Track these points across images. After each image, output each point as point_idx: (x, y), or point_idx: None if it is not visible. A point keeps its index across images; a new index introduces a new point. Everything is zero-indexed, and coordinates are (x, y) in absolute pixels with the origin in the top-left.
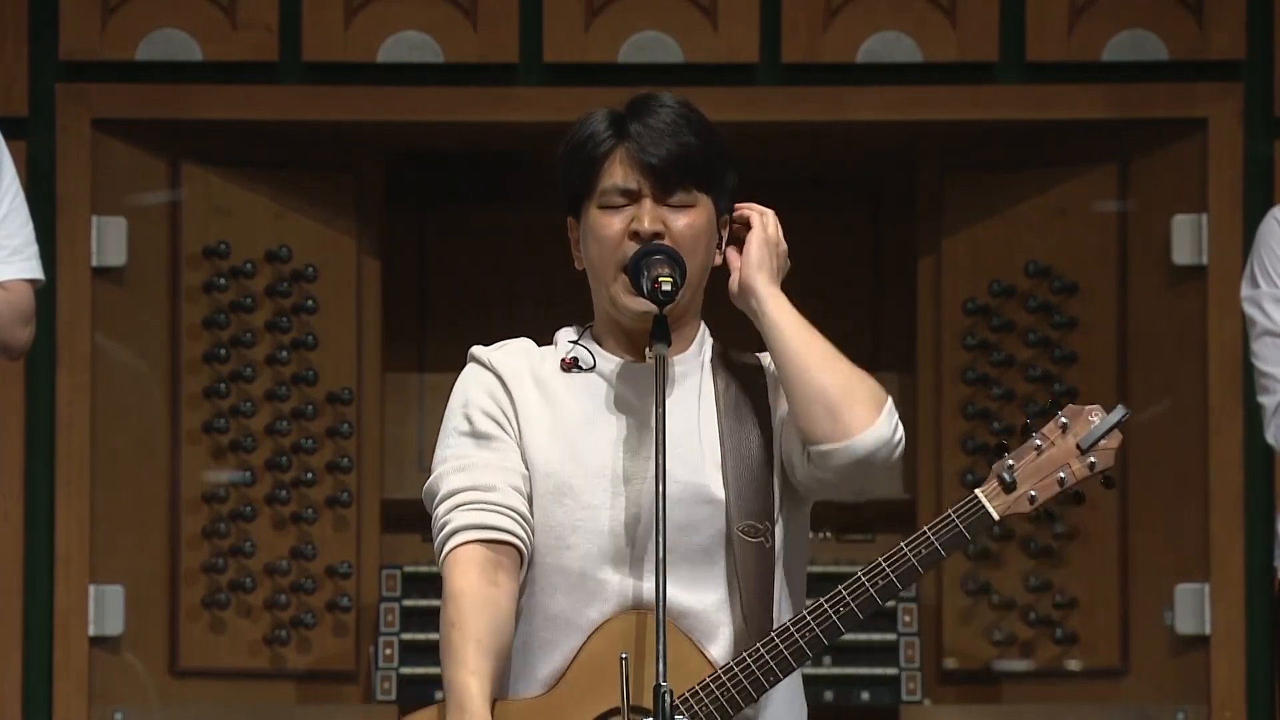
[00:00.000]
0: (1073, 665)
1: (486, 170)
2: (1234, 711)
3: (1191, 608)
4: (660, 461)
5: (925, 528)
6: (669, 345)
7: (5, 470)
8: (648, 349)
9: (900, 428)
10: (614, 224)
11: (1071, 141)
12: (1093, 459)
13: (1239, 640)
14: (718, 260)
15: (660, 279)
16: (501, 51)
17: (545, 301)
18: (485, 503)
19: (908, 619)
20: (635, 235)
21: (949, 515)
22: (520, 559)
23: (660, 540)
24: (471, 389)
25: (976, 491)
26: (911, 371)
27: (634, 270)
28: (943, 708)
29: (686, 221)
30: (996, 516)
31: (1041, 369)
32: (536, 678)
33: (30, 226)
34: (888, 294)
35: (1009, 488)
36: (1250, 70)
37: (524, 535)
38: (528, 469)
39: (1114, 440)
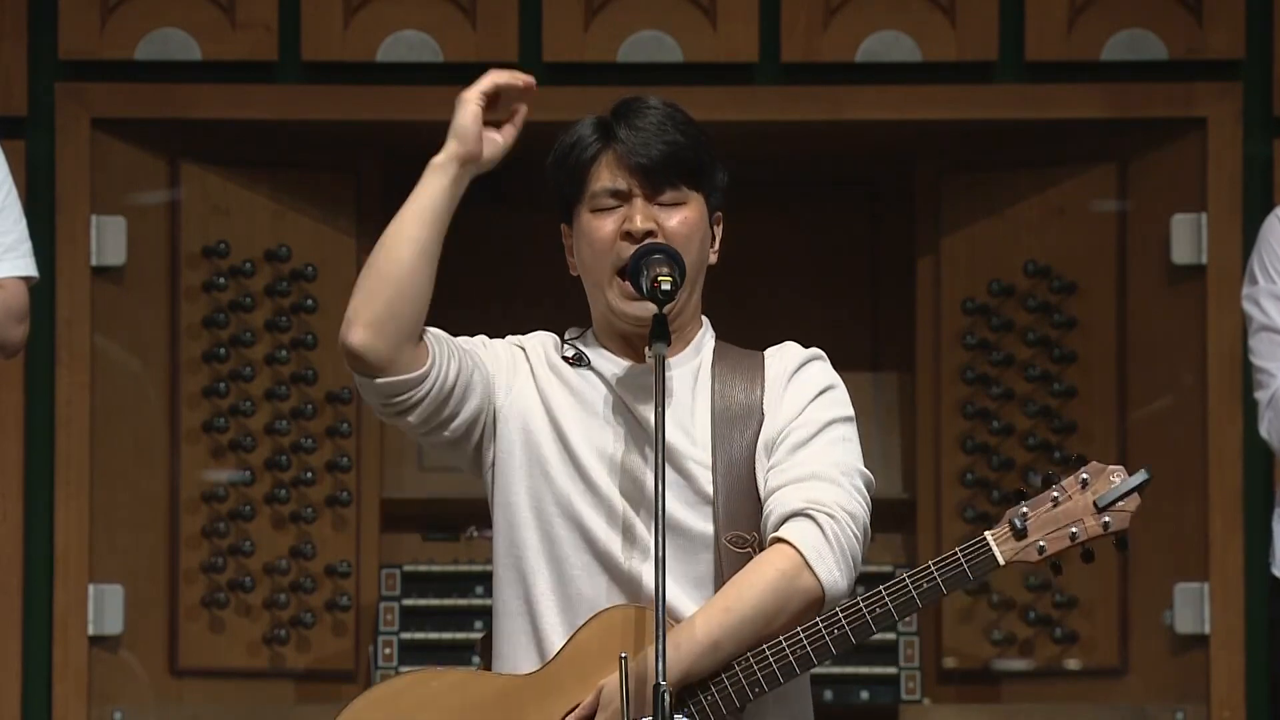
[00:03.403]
0: (1072, 665)
1: None
2: (1233, 711)
3: (1191, 607)
4: (659, 461)
5: (930, 563)
6: (669, 344)
7: (5, 470)
8: (647, 349)
9: (841, 543)
10: (605, 226)
11: (1070, 141)
12: (1108, 519)
13: (1238, 640)
14: (713, 259)
15: (660, 278)
16: (500, 51)
17: (543, 302)
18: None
19: (907, 618)
20: (628, 235)
21: (955, 553)
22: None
23: (659, 539)
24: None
25: (986, 534)
26: (910, 371)
27: (633, 270)
28: (942, 707)
29: (679, 219)
30: (1002, 562)
31: (1041, 368)
32: (522, 647)
33: (24, 224)
34: (886, 293)
35: (1019, 535)
36: (1249, 70)
37: (439, 344)
38: (555, 436)
39: (1131, 503)
